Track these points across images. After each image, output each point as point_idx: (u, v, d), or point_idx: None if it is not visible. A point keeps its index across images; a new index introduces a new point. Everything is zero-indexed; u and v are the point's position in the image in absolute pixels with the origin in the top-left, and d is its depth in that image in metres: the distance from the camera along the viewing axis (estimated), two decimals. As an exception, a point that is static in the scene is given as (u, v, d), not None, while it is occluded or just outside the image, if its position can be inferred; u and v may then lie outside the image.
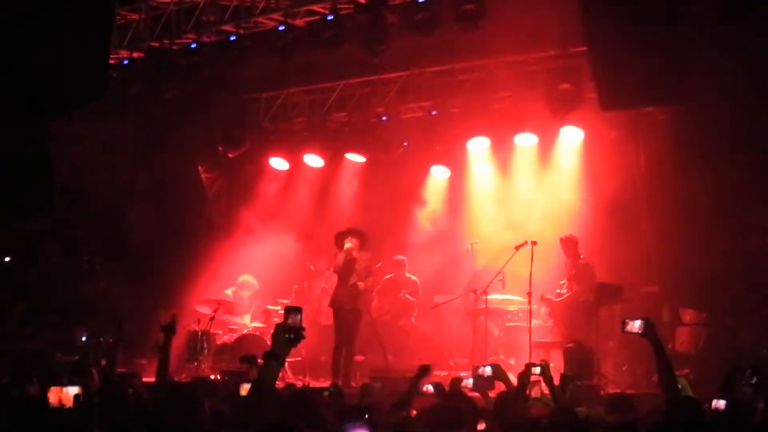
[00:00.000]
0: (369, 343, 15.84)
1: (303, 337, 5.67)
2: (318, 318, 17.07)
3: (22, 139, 10.37)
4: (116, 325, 10.22)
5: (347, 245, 15.17)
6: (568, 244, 14.97)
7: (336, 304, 15.34)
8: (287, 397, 6.16)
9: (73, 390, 7.81)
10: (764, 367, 10.13)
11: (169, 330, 8.83)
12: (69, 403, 7.64)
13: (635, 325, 7.42)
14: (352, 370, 15.12)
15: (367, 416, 4.44)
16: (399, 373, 13.36)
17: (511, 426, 6.01)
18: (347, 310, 15.17)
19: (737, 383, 8.87)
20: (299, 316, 5.71)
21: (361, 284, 15.13)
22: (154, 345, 8.96)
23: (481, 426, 6.88)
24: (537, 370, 8.21)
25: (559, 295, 14.91)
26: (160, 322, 8.89)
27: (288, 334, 5.66)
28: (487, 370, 8.63)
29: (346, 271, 15.19)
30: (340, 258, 15.19)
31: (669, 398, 7.16)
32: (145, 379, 10.30)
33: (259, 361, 10.18)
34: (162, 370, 8.75)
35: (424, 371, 8.28)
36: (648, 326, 7.40)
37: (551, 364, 8.74)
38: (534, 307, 14.70)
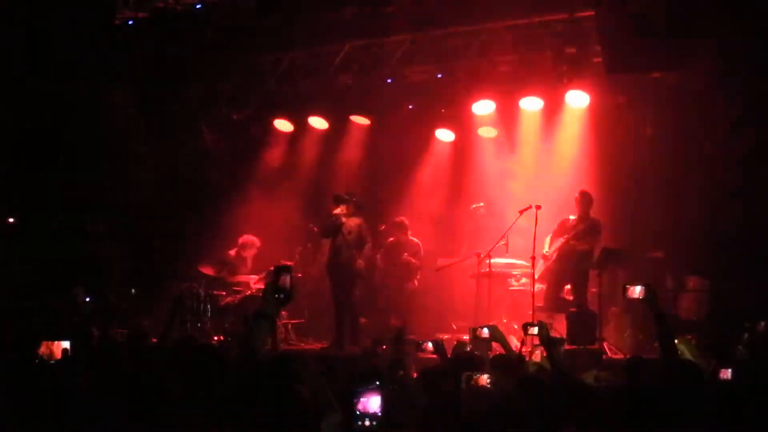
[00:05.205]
0: (371, 306, 15.86)
1: (292, 297, 5.62)
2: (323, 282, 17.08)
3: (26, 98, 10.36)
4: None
5: (336, 210, 15.16)
6: (587, 198, 14.51)
7: (328, 270, 15.44)
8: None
9: (63, 344, 7.85)
10: (760, 331, 10.17)
11: (179, 303, 8.90)
12: (58, 356, 7.69)
13: (636, 291, 7.41)
14: (357, 333, 15.12)
15: (378, 381, 4.38)
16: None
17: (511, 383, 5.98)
18: (342, 275, 15.20)
19: (733, 345, 8.87)
20: (289, 276, 5.63)
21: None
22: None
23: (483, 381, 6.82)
24: (534, 330, 8.17)
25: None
26: (172, 294, 8.97)
27: (278, 293, 5.60)
28: (485, 332, 8.63)
29: (333, 236, 15.20)
30: (329, 223, 15.21)
31: (668, 363, 7.15)
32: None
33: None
34: (164, 336, 8.82)
35: (399, 334, 8.20)
36: (649, 292, 7.39)
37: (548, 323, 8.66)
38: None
